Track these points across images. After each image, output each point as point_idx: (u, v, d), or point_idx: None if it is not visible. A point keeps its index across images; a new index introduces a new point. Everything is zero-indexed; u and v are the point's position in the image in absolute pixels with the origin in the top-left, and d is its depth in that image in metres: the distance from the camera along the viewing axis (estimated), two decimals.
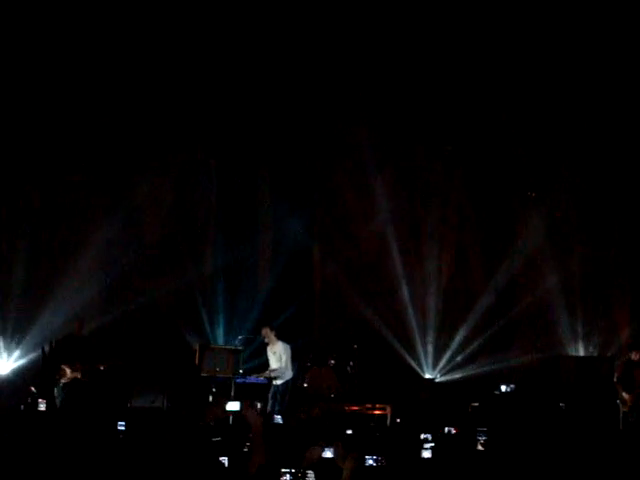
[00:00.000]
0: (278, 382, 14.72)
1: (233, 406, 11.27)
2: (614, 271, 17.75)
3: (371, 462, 7.22)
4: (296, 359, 15.46)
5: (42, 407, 12.88)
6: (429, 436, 10.56)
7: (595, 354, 17.30)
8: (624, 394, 14.17)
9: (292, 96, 17.43)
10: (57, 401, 13.61)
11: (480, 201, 18.00)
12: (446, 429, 10.86)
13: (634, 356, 14.37)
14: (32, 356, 15.50)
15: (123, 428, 10.54)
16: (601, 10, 16.06)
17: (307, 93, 17.44)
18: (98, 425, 11.76)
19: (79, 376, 13.74)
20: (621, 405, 14.26)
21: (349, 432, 10.99)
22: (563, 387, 16.27)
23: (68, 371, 13.73)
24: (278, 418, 12.71)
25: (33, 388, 14.08)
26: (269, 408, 14.62)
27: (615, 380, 14.56)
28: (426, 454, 9.36)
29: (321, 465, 7.94)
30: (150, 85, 16.69)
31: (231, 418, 12.17)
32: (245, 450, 8.85)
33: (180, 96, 16.80)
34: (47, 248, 16.51)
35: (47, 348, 14.51)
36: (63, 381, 13.72)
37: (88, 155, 16.68)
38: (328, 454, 7.97)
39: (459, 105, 17.54)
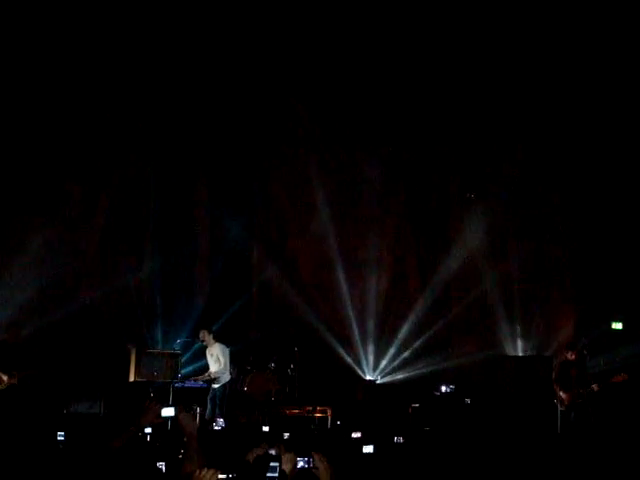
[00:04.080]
0: (215, 385, 14.60)
1: (168, 412, 11.08)
2: (554, 271, 17.92)
3: (302, 464, 7.15)
4: (236, 362, 15.37)
5: None
6: (359, 434, 10.54)
7: (533, 354, 17.45)
8: (561, 393, 14.28)
9: (230, 100, 17.37)
10: None
11: (418, 203, 18.08)
12: (395, 438, 10.81)
13: (570, 356, 14.50)
14: None
15: (63, 438, 10.32)
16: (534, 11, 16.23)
17: (245, 96, 17.43)
18: (36, 432, 11.55)
19: (15, 382, 13.54)
20: (558, 404, 14.38)
21: (286, 436, 10.91)
22: (501, 386, 16.42)
23: (5, 378, 13.53)
24: (220, 422, 12.60)
25: None
26: (208, 412, 14.51)
27: (553, 379, 14.70)
28: (367, 449, 9.28)
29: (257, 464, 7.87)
30: (87, 91, 16.56)
31: (169, 423, 12.03)
32: (180, 457, 8.73)
33: (117, 100, 16.70)
34: None
35: None
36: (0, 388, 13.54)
37: (24, 159, 16.42)
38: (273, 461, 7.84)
39: (397, 107, 17.61)
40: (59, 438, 10.18)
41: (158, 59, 16.62)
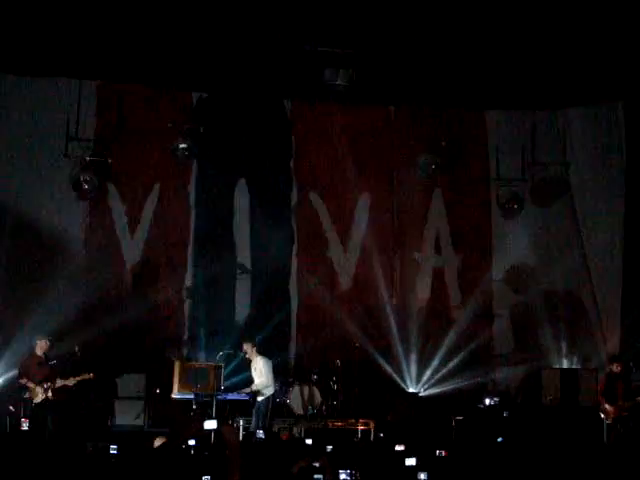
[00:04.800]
0: (259, 398, 14.60)
1: (210, 424, 11.10)
2: (599, 282, 17.68)
3: (344, 476, 7.13)
4: (278, 375, 15.36)
5: (25, 427, 12.77)
6: (403, 447, 10.51)
7: (578, 366, 17.25)
8: (607, 406, 14.16)
9: (269, 107, 17.44)
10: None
11: (459, 212, 17.99)
12: (437, 452, 10.76)
13: (615, 368, 14.39)
14: (9, 376, 15.28)
15: (115, 452, 10.32)
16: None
17: (285, 105, 17.48)
18: (78, 444, 11.64)
19: (50, 395, 13.63)
20: (604, 417, 14.24)
21: (329, 448, 10.90)
22: (546, 399, 16.24)
23: (40, 391, 13.61)
24: (260, 433, 12.60)
25: (12, 407, 13.94)
26: (253, 425, 14.53)
27: (598, 392, 14.56)
28: (410, 462, 9.26)
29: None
30: (128, 102, 16.80)
31: (212, 435, 12.05)
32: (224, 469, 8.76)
33: (156, 109, 16.93)
34: (25, 268, 16.35)
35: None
36: (36, 401, 13.62)
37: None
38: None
39: (435, 113, 17.57)
40: (112, 452, 10.20)
41: (196, 68, 16.58)
